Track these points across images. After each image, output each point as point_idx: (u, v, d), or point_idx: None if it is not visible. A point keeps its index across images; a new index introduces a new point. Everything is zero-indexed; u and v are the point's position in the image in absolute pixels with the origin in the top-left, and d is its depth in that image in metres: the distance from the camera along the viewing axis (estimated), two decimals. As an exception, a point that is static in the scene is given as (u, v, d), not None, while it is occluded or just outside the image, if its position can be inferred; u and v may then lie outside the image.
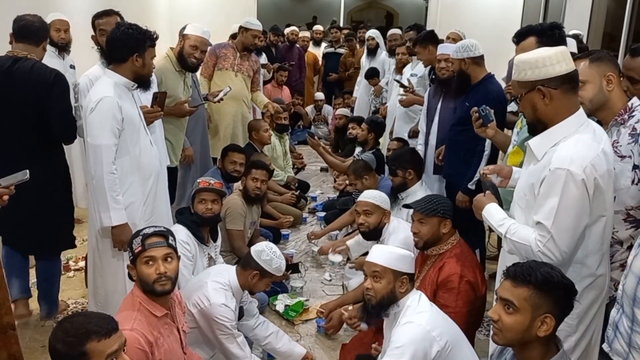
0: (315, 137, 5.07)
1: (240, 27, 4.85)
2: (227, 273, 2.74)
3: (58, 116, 2.98)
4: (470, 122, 2.74)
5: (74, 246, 3.42)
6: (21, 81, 2.91)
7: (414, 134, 4.57)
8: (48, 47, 4.22)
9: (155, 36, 2.78)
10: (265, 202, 4.65)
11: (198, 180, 3.23)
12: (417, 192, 3.51)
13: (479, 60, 3.49)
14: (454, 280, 2.57)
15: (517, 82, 1.97)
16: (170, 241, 2.22)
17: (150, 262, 2.14)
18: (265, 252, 2.70)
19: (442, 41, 4.44)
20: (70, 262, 3.99)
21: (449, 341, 2.15)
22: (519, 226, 1.96)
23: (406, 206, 2.90)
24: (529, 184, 1.97)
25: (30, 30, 3.03)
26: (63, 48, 4.42)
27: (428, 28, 6.17)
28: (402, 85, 4.61)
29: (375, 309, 2.29)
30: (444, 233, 2.70)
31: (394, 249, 2.33)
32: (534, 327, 1.61)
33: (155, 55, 2.80)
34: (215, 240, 3.24)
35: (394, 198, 3.57)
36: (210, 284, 2.65)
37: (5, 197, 1.70)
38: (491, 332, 1.71)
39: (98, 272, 2.91)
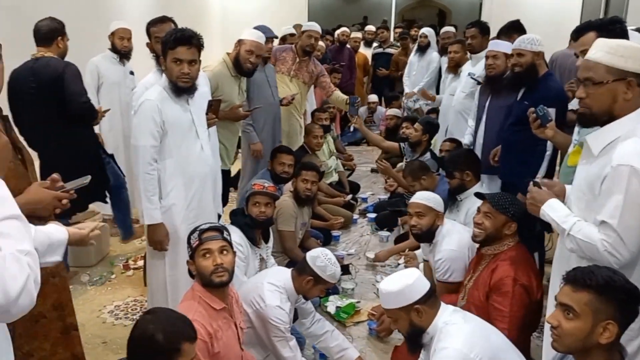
0: (356, 117, 4.97)
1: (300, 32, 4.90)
2: (283, 276, 2.76)
3: (71, 98, 3.46)
4: (529, 121, 2.65)
5: (105, 199, 4.04)
6: (42, 75, 3.43)
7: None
8: (110, 53, 4.50)
9: (176, 38, 2.68)
10: (316, 203, 4.67)
11: (252, 183, 3.27)
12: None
13: (542, 56, 3.38)
14: (508, 284, 2.50)
15: (604, 67, 1.82)
16: (225, 235, 2.31)
17: (207, 255, 2.23)
18: (320, 259, 2.69)
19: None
20: (130, 261, 4.12)
21: (490, 357, 2.06)
22: (585, 224, 1.87)
23: (478, 195, 2.81)
24: (589, 182, 1.89)
25: (39, 35, 3.56)
26: (125, 55, 4.57)
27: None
28: (478, 83, 4.49)
29: (410, 344, 2.23)
30: (505, 234, 2.63)
31: (391, 289, 2.16)
32: (595, 334, 1.55)
33: (181, 59, 2.69)
34: (266, 242, 3.28)
35: (452, 200, 3.51)
36: (266, 285, 2.68)
37: (65, 201, 1.77)
38: (550, 339, 1.65)
39: (149, 271, 3.02)
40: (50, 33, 3.55)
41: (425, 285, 2.16)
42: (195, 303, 2.21)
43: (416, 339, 2.17)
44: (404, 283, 2.13)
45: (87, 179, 1.80)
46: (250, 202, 3.17)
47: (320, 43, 6.83)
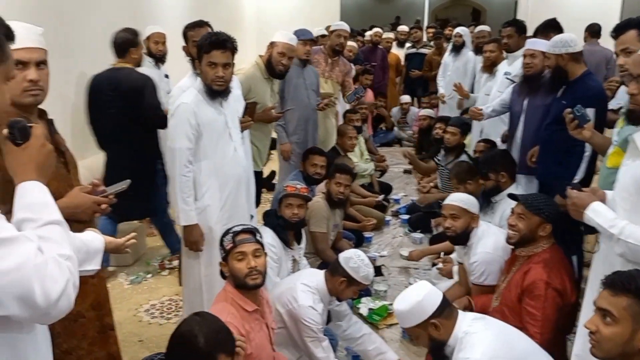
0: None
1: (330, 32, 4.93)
2: (316, 277, 2.77)
3: (150, 109, 3.67)
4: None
5: (154, 214, 4.12)
6: (122, 85, 3.66)
7: (506, 137, 4.39)
8: (146, 57, 4.50)
9: (211, 42, 2.70)
10: (348, 204, 4.67)
11: (285, 185, 3.29)
12: None
13: (577, 56, 3.29)
14: (540, 287, 2.45)
15: None
16: (258, 237, 2.34)
17: (241, 258, 2.26)
18: (353, 260, 2.69)
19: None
20: (165, 261, 4.19)
21: None
22: (635, 227, 1.80)
23: (512, 196, 2.76)
24: (635, 182, 1.83)
25: (115, 47, 3.82)
26: (160, 59, 4.64)
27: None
28: (512, 81, 4.43)
29: (435, 358, 2.20)
30: (540, 235, 2.58)
31: (403, 308, 2.14)
32: (635, 339, 1.51)
33: (216, 63, 2.72)
34: (299, 243, 3.29)
35: (486, 202, 3.45)
36: (299, 286, 2.69)
37: (104, 206, 1.82)
38: (580, 342, 1.62)
39: (184, 271, 3.07)
40: (123, 45, 3.79)
41: (437, 298, 2.13)
42: (227, 305, 2.24)
43: (439, 352, 2.13)
44: (414, 300, 2.11)
45: (126, 183, 1.84)
46: (282, 203, 3.19)
47: (352, 43, 6.85)
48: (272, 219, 3.20)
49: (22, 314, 1.01)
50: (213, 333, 1.79)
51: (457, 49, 6.48)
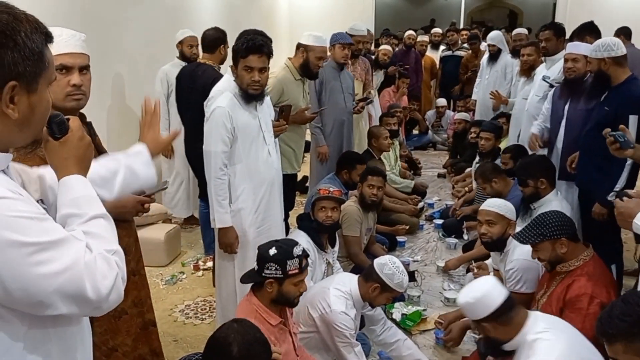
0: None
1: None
2: (349, 282, 2.76)
3: None
4: (610, 127, 2.53)
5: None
6: (198, 80, 3.87)
7: (545, 143, 4.31)
8: (178, 61, 4.56)
9: (248, 47, 2.72)
10: (381, 208, 4.65)
11: (318, 188, 3.30)
12: (552, 201, 3.30)
13: (620, 60, 3.21)
14: (583, 301, 2.38)
15: None
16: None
17: (299, 283, 2.31)
18: (388, 266, 2.66)
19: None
20: (200, 262, 4.24)
21: None
22: None
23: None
24: None
25: (204, 43, 4.09)
26: (193, 62, 4.61)
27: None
28: (551, 86, 4.35)
29: (485, 351, 2.19)
30: (563, 252, 2.51)
31: (466, 300, 2.14)
32: None
33: (252, 67, 2.75)
34: (333, 246, 3.29)
35: (525, 209, 3.39)
36: (332, 290, 2.68)
37: (147, 205, 1.85)
38: None
39: (218, 273, 3.10)
40: (214, 42, 4.04)
41: (500, 297, 2.10)
42: (251, 317, 2.21)
43: (494, 348, 2.12)
44: (477, 295, 2.10)
45: (166, 184, 1.88)
46: (316, 207, 3.19)
47: (387, 47, 6.83)
48: (306, 222, 3.21)
49: (74, 311, 1.04)
50: (248, 344, 1.78)
51: (494, 56, 6.38)
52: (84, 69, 1.83)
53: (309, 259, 2.98)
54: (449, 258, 4.20)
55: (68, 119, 1.24)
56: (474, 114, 6.85)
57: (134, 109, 4.66)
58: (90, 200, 1.18)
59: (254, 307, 2.29)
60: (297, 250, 2.31)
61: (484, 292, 2.11)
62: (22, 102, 1.05)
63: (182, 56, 4.61)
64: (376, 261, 2.74)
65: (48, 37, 1.09)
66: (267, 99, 3.20)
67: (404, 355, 2.85)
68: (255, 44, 2.72)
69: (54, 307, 1.01)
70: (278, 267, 2.28)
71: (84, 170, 1.23)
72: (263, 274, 2.29)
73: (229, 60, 3.36)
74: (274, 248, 2.31)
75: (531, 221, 2.65)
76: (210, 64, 3.98)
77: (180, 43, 4.63)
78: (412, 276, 3.81)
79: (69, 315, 1.07)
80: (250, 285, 2.42)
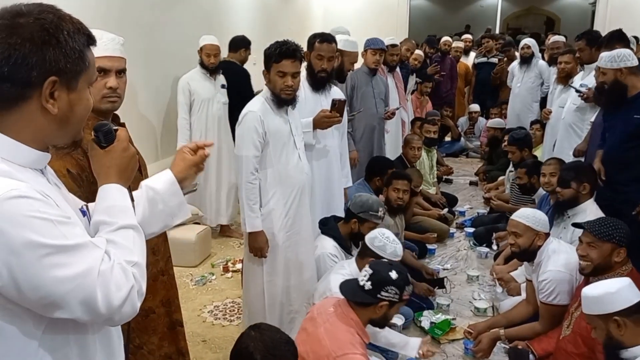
0: None
1: None
2: (348, 265, 2.86)
3: (245, 93, 4.54)
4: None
5: None
6: (226, 72, 4.73)
7: (579, 153, 4.21)
8: (200, 69, 4.57)
9: (281, 52, 2.72)
10: (410, 214, 4.62)
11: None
12: (587, 210, 3.20)
13: (635, 70, 3.21)
14: None
15: None
16: None
17: (398, 309, 2.45)
18: (378, 238, 2.72)
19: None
20: (229, 264, 4.28)
21: None
22: None
23: (577, 225, 2.64)
24: None
25: (231, 44, 5.03)
26: (213, 71, 4.58)
27: (596, 34, 5.67)
28: (577, 90, 4.28)
29: (607, 357, 2.07)
30: (615, 262, 2.44)
31: (591, 293, 2.05)
32: None
33: (285, 72, 2.75)
34: (357, 247, 3.29)
35: (559, 214, 3.31)
36: (332, 276, 2.76)
37: None
38: None
39: (246, 276, 3.12)
40: (239, 43, 5.02)
41: (634, 298, 2.00)
42: (354, 332, 2.26)
43: (612, 353, 2.02)
44: (606, 290, 2.02)
45: (196, 186, 1.89)
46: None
47: (419, 52, 6.79)
48: (330, 226, 3.21)
49: (85, 317, 1.03)
50: (271, 349, 1.78)
51: (526, 60, 6.29)
52: (121, 72, 1.87)
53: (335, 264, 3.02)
54: (476, 265, 4.11)
55: (116, 129, 1.27)
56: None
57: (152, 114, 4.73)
58: (124, 210, 1.19)
59: (353, 322, 2.29)
60: (407, 277, 2.34)
61: (626, 283, 2.04)
62: (62, 99, 1.07)
63: (202, 64, 4.56)
64: (367, 237, 2.81)
65: (90, 40, 1.12)
66: (335, 88, 3.49)
67: (391, 341, 2.78)
68: (289, 49, 2.74)
69: (63, 310, 1.01)
70: (397, 292, 2.29)
71: (124, 180, 1.25)
72: (379, 296, 2.29)
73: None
74: (394, 272, 2.31)
75: (602, 218, 2.64)
76: (234, 60, 4.85)
77: (200, 50, 4.57)
78: (441, 283, 3.77)
79: (83, 322, 1.07)
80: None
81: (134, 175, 1.29)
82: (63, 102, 1.07)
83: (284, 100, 2.82)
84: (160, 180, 1.46)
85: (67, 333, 1.09)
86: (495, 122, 6.84)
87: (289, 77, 2.75)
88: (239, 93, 4.62)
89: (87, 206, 1.27)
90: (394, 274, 2.28)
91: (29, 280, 0.97)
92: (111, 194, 1.21)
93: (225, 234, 4.93)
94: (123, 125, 2.00)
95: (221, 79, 4.71)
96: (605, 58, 3.32)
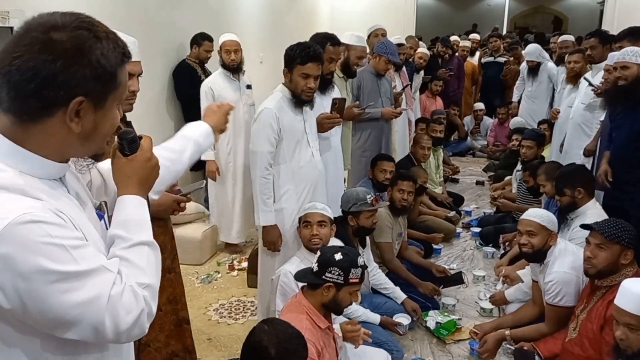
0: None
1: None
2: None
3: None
4: None
5: None
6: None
7: (589, 152, 4.18)
8: (222, 71, 4.24)
9: (308, 54, 2.78)
10: (416, 213, 4.62)
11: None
12: (587, 211, 3.20)
13: None
14: None
15: None
16: None
17: (354, 292, 2.33)
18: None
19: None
20: (235, 262, 4.28)
21: None
22: None
23: (585, 227, 2.63)
24: None
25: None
26: (234, 70, 4.25)
27: (604, 33, 5.63)
28: (591, 84, 4.23)
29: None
30: (622, 264, 2.43)
31: (635, 290, 1.99)
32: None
33: (309, 74, 2.83)
34: (364, 247, 3.32)
35: (562, 219, 3.30)
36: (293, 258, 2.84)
37: (183, 204, 1.88)
38: None
39: (261, 269, 3.15)
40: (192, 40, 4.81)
41: None
42: (303, 318, 2.21)
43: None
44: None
45: (202, 183, 1.90)
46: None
47: (425, 50, 6.77)
48: (339, 227, 3.21)
49: (91, 339, 1.03)
50: (284, 342, 1.79)
51: (534, 70, 6.26)
52: (139, 75, 1.89)
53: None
54: (483, 265, 4.10)
55: (140, 137, 1.23)
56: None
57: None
58: (140, 224, 1.16)
59: (304, 308, 2.28)
60: (360, 261, 2.31)
61: None
62: (87, 118, 1.04)
63: (222, 64, 4.26)
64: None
65: (125, 57, 1.08)
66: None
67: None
68: (316, 53, 2.83)
69: (71, 332, 1.00)
70: (341, 273, 2.26)
71: (144, 190, 1.22)
72: (324, 277, 2.27)
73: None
74: (339, 254, 2.29)
75: (611, 219, 2.62)
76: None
77: (220, 49, 4.30)
78: (459, 278, 3.77)
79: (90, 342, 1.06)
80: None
81: (153, 186, 1.25)
82: (88, 121, 1.05)
83: (303, 100, 2.90)
84: (202, 134, 1.66)
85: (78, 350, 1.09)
86: (516, 121, 6.47)
87: (311, 79, 2.84)
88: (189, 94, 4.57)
89: (105, 205, 1.25)
90: (338, 256, 2.26)
91: (37, 305, 0.96)
92: (130, 206, 1.17)
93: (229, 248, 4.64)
94: (129, 123, 2.01)
95: (246, 79, 4.39)
96: (630, 52, 3.26)
